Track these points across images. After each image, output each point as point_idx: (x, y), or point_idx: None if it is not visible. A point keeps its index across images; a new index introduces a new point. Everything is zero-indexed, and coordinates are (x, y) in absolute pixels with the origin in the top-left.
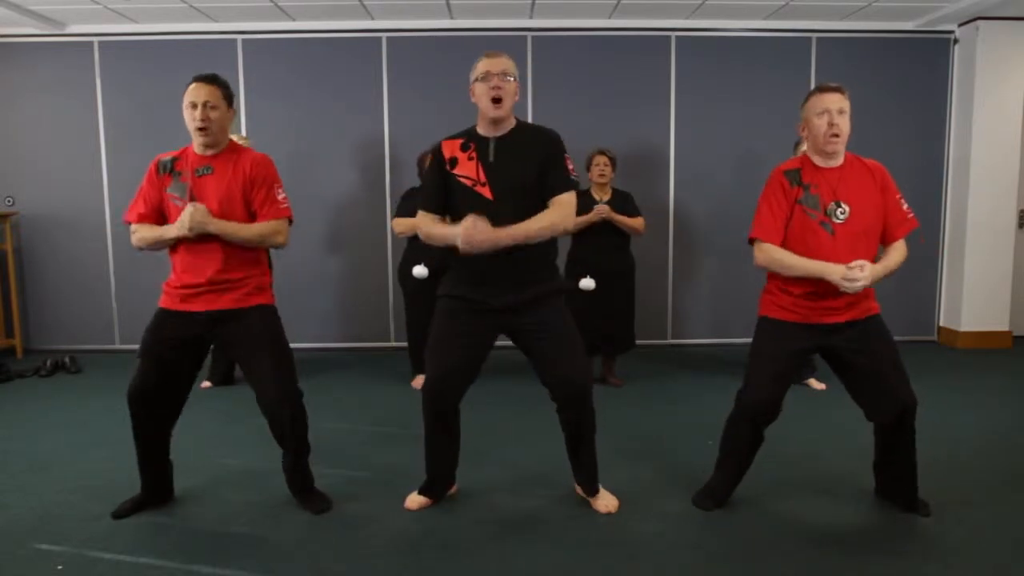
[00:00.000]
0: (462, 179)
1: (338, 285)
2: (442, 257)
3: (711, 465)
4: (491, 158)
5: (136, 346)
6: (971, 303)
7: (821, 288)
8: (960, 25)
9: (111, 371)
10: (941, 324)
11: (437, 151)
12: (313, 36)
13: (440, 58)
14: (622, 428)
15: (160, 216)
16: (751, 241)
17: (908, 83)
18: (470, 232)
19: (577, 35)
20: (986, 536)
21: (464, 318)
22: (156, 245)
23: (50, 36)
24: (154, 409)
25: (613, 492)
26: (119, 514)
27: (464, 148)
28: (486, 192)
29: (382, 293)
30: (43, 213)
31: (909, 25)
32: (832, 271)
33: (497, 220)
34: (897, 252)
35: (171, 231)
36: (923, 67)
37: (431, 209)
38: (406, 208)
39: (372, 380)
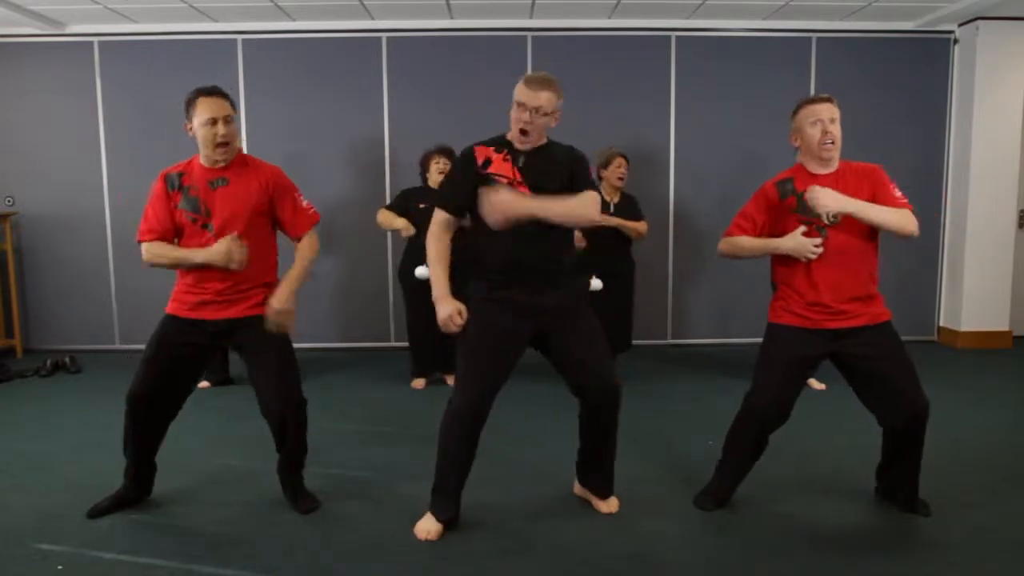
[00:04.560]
0: (498, 177)
1: (338, 285)
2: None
3: (711, 465)
4: (521, 164)
5: (136, 346)
6: (971, 303)
7: (826, 290)
8: (960, 25)
9: (111, 371)
10: (941, 324)
11: (468, 154)
12: (313, 36)
13: (440, 58)
14: (622, 428)
15: (173, 232)
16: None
17: (908, 83)
18: (497, 197)
19: (577, 35)
20: (986, 536)
21: (502, 324)
22: (177, 265)
23: (50, 36)
24: (154, 413)
25: (614, 491)
26: (95, 512)
27: (498, 151)
28: (523, 188)
29: (382, 293)
30: (43, 213)
31: (909, 25)
32: (780, 242)
33: (525, 223)
34: (897, 212)
35: (199, 256)
36: (923, 67)
37: (450, 208)
38: (398, 204)
39: (372, 380)
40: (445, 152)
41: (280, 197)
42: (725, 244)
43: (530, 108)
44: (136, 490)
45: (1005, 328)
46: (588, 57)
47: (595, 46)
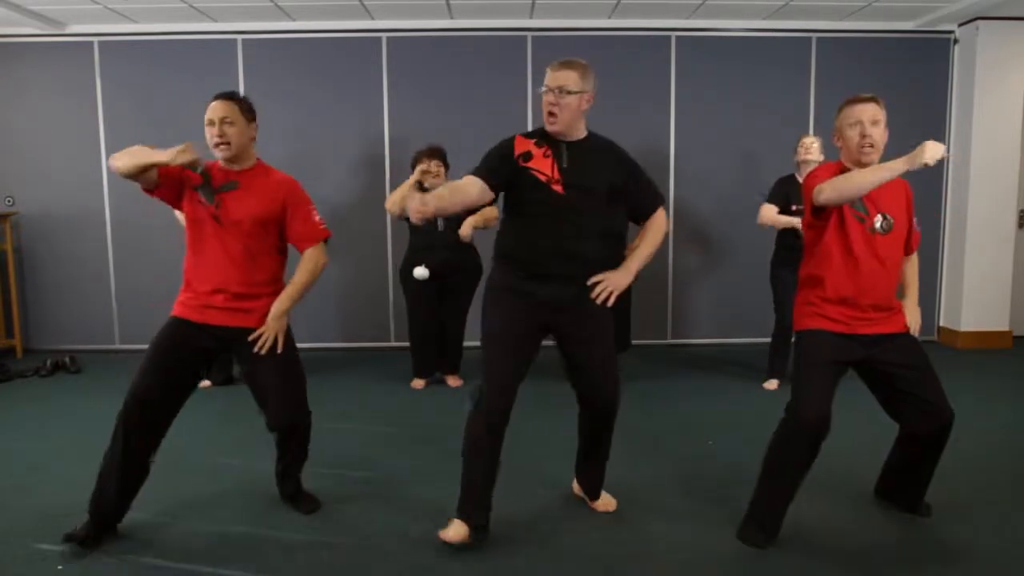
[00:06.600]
0: (536, 172)
1: (338, 285)
2: (444, 259)
3: (710, 465)
4: (564, 163)
5: (137, 346)
6: (971, 303)
7: (858, 293)
8: (960, 25)
9: (111, 371)
10: (941, 324)
11: (508, 143)
12: (313, 36)
13: (440, 58)
14: (622, 428)
15: (173, 185)
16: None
17: (908, 83)
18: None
19: (577, 35)
20: (987, 536)
21: (521, 318)
22: (138, 166)
23: (50, 36)
24: (151, 419)
25: (613, 492)
26: (73, 539)
27: (539, 145)
28: (558, 188)
29: (382, 293)
30: (43, 213)
31: (909, 25)
32: (897, 163)
33: (565, 214)
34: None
35: (162, 156)
36: (923, 67)
37: (492, 182)
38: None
39: (372, 380)
40: (436, 153)
41: (294, 208)
42: (829, 189)
43: (553, 88)
44: (110, 521)
45: (1005, 328)
46: (588, 57)
47: (595, 46)
